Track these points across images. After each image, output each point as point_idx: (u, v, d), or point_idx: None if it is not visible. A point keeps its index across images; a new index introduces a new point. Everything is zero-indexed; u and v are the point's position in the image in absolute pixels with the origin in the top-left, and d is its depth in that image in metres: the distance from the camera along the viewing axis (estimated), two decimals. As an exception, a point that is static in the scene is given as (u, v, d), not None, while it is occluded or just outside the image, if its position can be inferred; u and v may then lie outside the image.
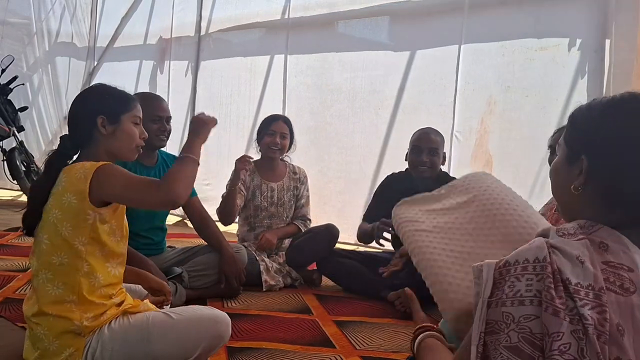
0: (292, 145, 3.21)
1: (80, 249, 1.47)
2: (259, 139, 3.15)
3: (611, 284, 0.78)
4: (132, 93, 1.76)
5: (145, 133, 1.67)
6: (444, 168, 3.02)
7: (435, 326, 1.35)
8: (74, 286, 1.47)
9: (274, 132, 3.09)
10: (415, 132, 2.91)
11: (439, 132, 2.90)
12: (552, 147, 2.35)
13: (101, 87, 1.68)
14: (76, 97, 1.67)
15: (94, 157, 1.56)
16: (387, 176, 3.09)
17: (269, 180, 3.17)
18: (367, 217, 3.02)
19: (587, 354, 0.74)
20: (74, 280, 1.47)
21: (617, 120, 0.88)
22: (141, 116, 1.66)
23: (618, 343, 0.75)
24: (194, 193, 2.70)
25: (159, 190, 1.45)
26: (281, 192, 3.17)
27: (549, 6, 3.21)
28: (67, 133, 1.62)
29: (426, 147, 2.80)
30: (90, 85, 1.73)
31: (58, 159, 1.57)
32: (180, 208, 2.85)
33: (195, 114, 1.58)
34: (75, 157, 1.61)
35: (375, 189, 3.19)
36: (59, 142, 1.61)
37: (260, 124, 3.20)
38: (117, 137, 1.59)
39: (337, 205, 4.16)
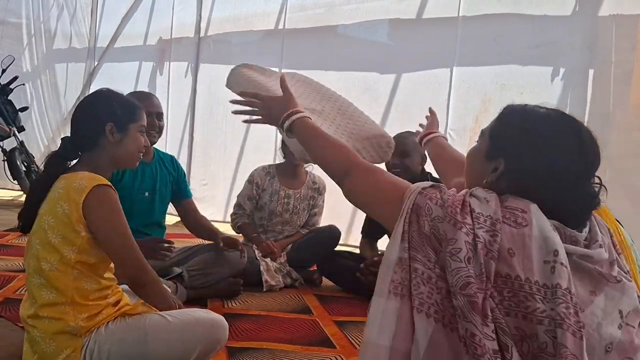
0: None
1: (70, 257, 1.48)
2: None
3: (507, 219, 0.96)
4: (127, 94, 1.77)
5: (148, 141, 1.71)
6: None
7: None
8: (66, 291, 1.48)
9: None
10: None
11: (414, 134, 2.89)
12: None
13: (109, 92, 1.68)
14: (83, 100, 1.68)
15: (95, 164, 1.57)
16: None
17: (288, 187, 3.17)
18: (364, 231, 3.05)
19: (472, 262, 0.92)
20: (66, 286, 1.48)
21: (541, 136, 1.01)
22: (145, 125, 1.68)
23: (508, 262, 0.92)
24: (189, 194, 2.73)
25: (146, 275, 1.57)
26: (297, 201, 3.17)
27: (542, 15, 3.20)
28: (69, 135, 1.62)
29: (397, 150, 2.81)
30: (96, 90, 1.73)
31: (57, 161, 1.58)
32: (173, 208, 2.87)
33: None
34: (74, 160, 1.61)
35: None
36: (60, 144, 1.61)
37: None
38: (124, 145, 1.61)
39: (328, 204, 4.14)
